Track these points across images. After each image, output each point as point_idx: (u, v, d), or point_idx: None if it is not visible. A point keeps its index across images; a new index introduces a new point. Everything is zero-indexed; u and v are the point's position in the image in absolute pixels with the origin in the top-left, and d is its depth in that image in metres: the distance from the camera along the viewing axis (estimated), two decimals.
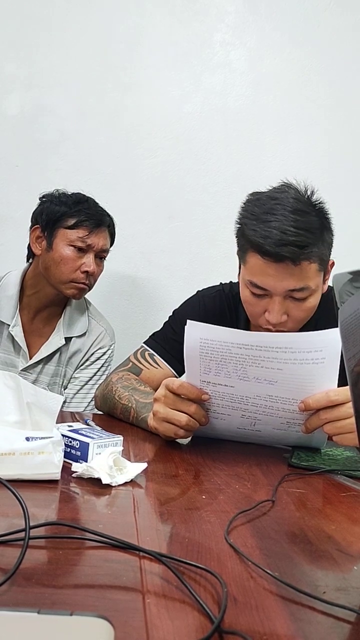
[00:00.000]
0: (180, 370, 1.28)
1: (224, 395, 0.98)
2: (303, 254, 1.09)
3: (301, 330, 1.25)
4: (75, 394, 1.62)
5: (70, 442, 0.84)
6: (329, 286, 1.26)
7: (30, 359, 1.59)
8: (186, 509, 0.72)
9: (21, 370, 1.57)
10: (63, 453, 0.77)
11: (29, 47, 1.92)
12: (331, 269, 1.23)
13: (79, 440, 0.84)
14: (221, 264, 1.91)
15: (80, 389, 1.62)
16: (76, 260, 1.53)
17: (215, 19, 1.95)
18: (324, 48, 1.96)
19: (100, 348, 1.64)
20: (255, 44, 1.96)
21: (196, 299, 1.38)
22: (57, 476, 0.75)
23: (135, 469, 0.80)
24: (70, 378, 1.63)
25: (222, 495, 0.78)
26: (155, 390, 1.03)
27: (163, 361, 1.30)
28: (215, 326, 0.93)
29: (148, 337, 1.37)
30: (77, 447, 0.84)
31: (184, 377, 1.01)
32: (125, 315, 1.99)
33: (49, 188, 1.61)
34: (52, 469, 0.75)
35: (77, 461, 0.81)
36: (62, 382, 1.63)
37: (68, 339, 1.61)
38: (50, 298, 1.59)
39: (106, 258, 1.61)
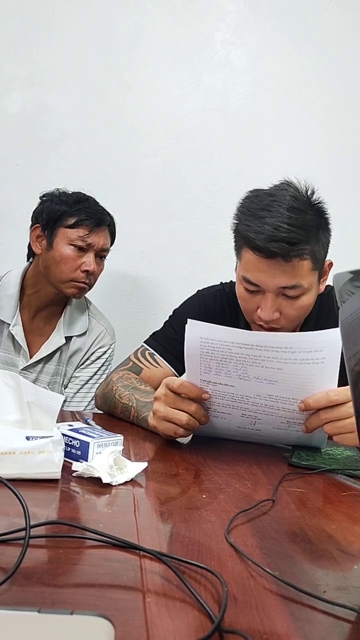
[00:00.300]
0: (180, 370, 1.28)
1: (224, 395, 0.98)
2: (293, 250, 1.09)
3: (301, 331, 1.25)
4: (75, 393, 1.62)
5: (71, 441, 0.84)
6: (329, 286, 1.26)
7: (31, 358, 1.59)
8: (186, 508, 0.72)
9: (21, 369, 1.57)
10: (63, 452, 0.77)
11: (30, 46, 1.91)
12: (329, 269, 1.23)
13: (79, 440, 0.84)
14: (222, 263, 1.91)
15: (81, 388, 1.62)
16: (76, 259, 1.53)
17: (216, 18, 1.95)
18: (324, 48, 1.96)
19: (100, 347, 1.64)
20: (255, 43, 1.96)
21: (196, 298, 1.38)
22: (58, 475, 0.75)
23: (135, 468, 0.80)
24: (71, 377, 1.63)
25: (222, 495, 0.78)
26: (156, 389, 1.03)
27: (163, 360, 1.30)
28: (216, 325, 0.93)
29: (148, 336, 1.37)
30: (77, 446, 0.84)
31: (184, 377, 1.01)
32: (125, 314, 1.99)
33: (50, 187, 1.61)
34: (52, 468, 0.75)
35: (77, 460, 0.81)
36: (63, 382, 1.63)
37: (68, 338, 1.61)
38: (50, 297, 1.59)
39: (106, 257, 1.61)
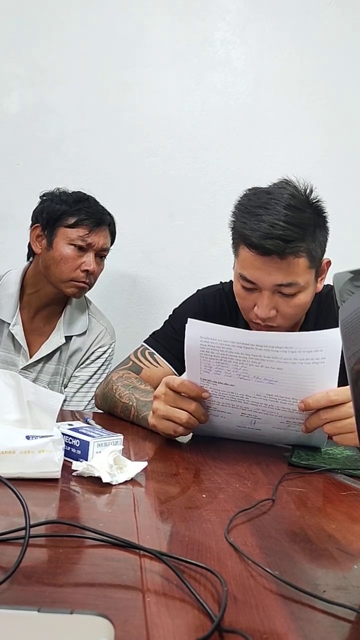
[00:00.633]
0: (180, 369, 1.28)
1: (224, 394, 0.98)
2: (288, 247, 1.10)
3: (300, 330, 1.25)
4: (75, 392, 1.62)
5: (71, 440, 0.84)
6: (329, 285, 1.26)
7: (31, 357, 1.59)
8: (186, 508, 0.72)
9: (21, 368, 1.57)
10: (63, 452, 0.77)
11: (30, 45, 1.91)
12: (327, 268, 1.23)
13: (79, 439, 0.84)
14: (222, 263, 1.90)
15: (81, 387, 1.62)
16: (76, 259, 1.53)
17: (216, 18, 1.94)
18: (324, 48, 1.96)
19: (100, 347, 1.64)
20: (255, 42, 1.96)
21: (196, 297, 1.38)
22: (58, 475, 0.75)
23: (135, 467, 0.80)
24: (71, 377, 1.63)
25: (222, 494, 0.78)
26: (156, 388, 1.03)
27: (163, 360, 1.30)
28: (216, 325, 0.93)
29: (148, 335, 1.37)
30: (77, 445, 0.84)
31: (184, 376, 1.01)
32: (125, 314, 1.99)
33: (50, 186, 1.61)
34: (52, 467, 0.75)
35: (77, 460, 0.81)
36: (63, 381, 1.63)
37: (68, 338, 1.61)
38: (50, 297, 1.59)
39: (106, 257, 1.61)
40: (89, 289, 1.59)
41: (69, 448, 0.84)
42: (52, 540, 0.58)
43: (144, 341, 1.36)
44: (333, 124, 1.97)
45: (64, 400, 1.38)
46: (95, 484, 0.76)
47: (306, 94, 1.97)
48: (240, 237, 1.15)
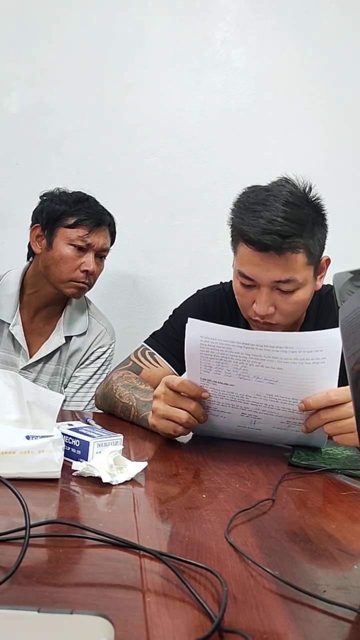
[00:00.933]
0: (180, 369, 1.28)
1: (224, 394, 0.98)
2: (285, 243, 1.10)
3: (300, 330, 1.25)
4: (75, 392, 1.62)
5: (71, 440, 0.84)
6: (329, 285, 1.26)
7: (31, 357, 1.59)
8: (186, 508, 0.72)
9: (21, 369, 1.57)
10: (63, 452, 0.77)
11: (30, 45, 1.91)
12: (327, 266, 1.23)
13: (79, 439, 0.84)
14: (222, 263, 1.90)
15: (81, 387, 1.62)
16: (76, 259, 1.52)
17: (217, 17, 1.94)
18: (324, 48, 1.96)
19: (100, 347, 1.64)
20: (256, 42, 1.96)
21: (196, 297, 1.38)
22: (58, 475, 0.75)
23: (135, 467, 0.80)
24: (71, 377, 1.63)
25: (222, 494, 0.78)
26: (156, 388, 1.03)
27: (163, 360, 1.30)
28: (216, 324, 0.93)
29: (148, 336, 1.37)
30: (77, 445, 0.84)
31: (184, 376, 1.01)
32: (125, 314, 1.99)
33: (50, 187, 1.60)
34: (52, 467, 0.75)
35: (77, 460, 0.81)
36: (62, 381, 1.63)
37: (68, 338, 1.61)
38: (50, 297, 1.59)
39: (106, 257, 1.61)
40: (89, 289, 1.59)
41: (69, 448, 0.84)
42: (52, 540, 0.58)
43: (144, 341, 1.36)
44: (333, 124, 1.97)
45: (64, 401, 1.38)
46: (95, 484, 0.76)
47: (306, 94, 1.97)
48: (239, 234, 1.15)
